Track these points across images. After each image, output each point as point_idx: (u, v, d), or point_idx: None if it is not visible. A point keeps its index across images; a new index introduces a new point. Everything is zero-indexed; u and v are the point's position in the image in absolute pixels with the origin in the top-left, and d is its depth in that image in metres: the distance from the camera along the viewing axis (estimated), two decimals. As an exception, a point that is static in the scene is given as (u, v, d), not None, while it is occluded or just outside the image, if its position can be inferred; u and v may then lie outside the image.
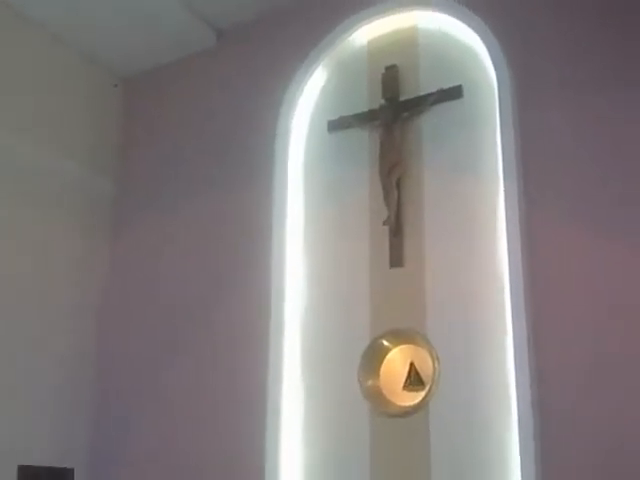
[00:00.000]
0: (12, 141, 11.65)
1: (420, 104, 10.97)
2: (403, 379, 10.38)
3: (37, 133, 12.09)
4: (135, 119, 13.48)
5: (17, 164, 11.70)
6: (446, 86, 10.79)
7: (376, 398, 10.35)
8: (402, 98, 11.12)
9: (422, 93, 11.00)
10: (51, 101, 12.47)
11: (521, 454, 9.15)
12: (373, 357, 10.51)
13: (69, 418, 11.95)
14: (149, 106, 13.32)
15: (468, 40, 10.86)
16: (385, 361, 10.52)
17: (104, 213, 13.14)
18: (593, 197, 9.46)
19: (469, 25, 10.80)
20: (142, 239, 12.76)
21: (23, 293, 11.58)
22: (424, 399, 10.08)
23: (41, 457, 11.41)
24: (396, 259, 10.70)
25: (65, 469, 11.88)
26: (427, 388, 10.12)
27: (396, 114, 11.02)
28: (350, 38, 11.74)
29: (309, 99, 11.93)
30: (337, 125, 11.51)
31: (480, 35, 10.67)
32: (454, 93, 10.75)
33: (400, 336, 10.48)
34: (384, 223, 10.77)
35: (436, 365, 10.07)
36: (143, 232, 12.78)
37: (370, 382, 10.42)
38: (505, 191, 10.05)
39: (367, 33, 11.66)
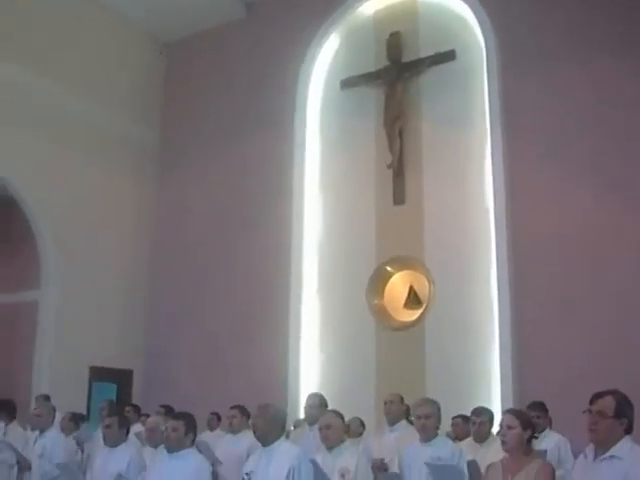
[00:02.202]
0: (80, 103, 11.88)
1: (419, 65, 11.02)
2: (404, 299, 10.67)
3: (99, 95, 12.26)
4: (177, 80, 13.54)
5: (83, 122, 11.95)
6: (441, 50, 10.77)
7: (381, 314, 10.58)
8: (404, 60, 11.15)
9: (421, 56, 11.01)
10: (110, 68, 12.60)
11: (501, 358, 9.48)
12: (378, 280, 10.77)
13: (129, 329, 12.40)
14: (188, 68, 13.39)
15: (461, 10, 10.84)
16: (389, 284, 10.80)
17: (153, 159, 13.29)
18: (564, 143, 9.58)
19: (461, -3, 10.67)
20: (184, 180, 12.95)
21: (93, 223, 11.98)
22: (421, 316, 10.39)
23: (107, 360, 11.87)
24: (398, 197, 10.86)
25: (126, 370, 12.33)
26: (424, 306, 10.42)
27: (399, 74, 11.08)
28: (359, 9, 11.73)
29: (324, 61, 11.97)
30: (348, 83, 11.57)
31: (471, 6, 10.68)
32: (448, 56, 10.79)
33: (401, 263, 10.72)
34: (388, 167, 10.88)
35: (431, 287, 10.32)
36: (185, 174, 12.95)
37: (376, 301, 10.64)
38: (491, 139, 10.18)
39: (374, 4, 11.63)
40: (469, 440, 6.54)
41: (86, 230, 11.75)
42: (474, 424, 6.39)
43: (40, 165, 11.22)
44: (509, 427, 4.24)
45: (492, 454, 4.87)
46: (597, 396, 3.84)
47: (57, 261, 11.50)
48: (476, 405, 6.81)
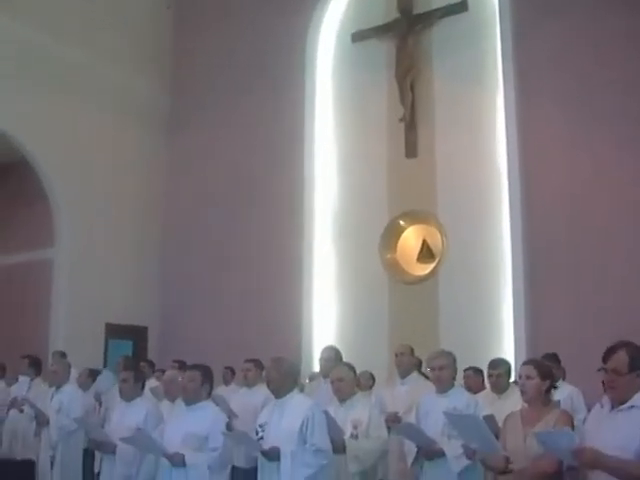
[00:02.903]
0: (88, 60, 11.66)
1: (430, 17, 10.79)
2: (417, 253, 10.57)
3: (108, 51, 11.98)
4: (185, 34, 13.19)
5: (94, 80, 11.75)
6: (453, 1, 10.48)
7: (394, 268, 10.56)
8: (415, 12, 10.90)
9: (432, 7, 10.73)
10: (118, 22, 12.31)
11: (514, 311, 9.46)
12: (391, 234, 10.70)
13: (143, 285, 12.33)
14: (197, 22, 13.06)
15: (473, -41, 10.51)
16: (401, 238, 10.74)
17: (163, 114, 13.07)
18: (577, 97, 9.42)
19: (474, -55, 10.41)
20: (193, 137, 12.71)
21: (104, 180, 11.83)
22: (434, 269, 10.34)
23: (122, 317, 11.84)
24: (411, 151, 10.72)
25: (141, 327, 12.31)
26: (437, 260, 10.32)
27: (410, 26, 10.86)
28: (368, -41, 11.38)
29: (335, 13, 11.68)
30: (359, 36, 11.33)
31: (483, -46, 10.32)
32: (460, 7, 10.54)
33: (414, 216, 10.64)
34: (400, 120, 10.72)
35: (444, 241, 10.25)
36: (194, 131, 12.70)
37: (389, 255, 10.59)
38: (504, 91, 10.01)
39: (384, -46, 11.30)
40: (487, 391, 6.51)
41: (98, 187, 11.66)
42: (491, 376, 6.36)
43: (50, 124, 11.11)
44: (528, 377, 4.18)
45: (510, 405, 4.82)
46: (609, 352, 3.72)
47: (70, 219, 11.46)
48: (489, 357, 6.79)
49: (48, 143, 11.14)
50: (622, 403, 3.68)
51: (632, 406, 3.66)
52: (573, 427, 4.06)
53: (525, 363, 4.35)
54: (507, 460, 4.11)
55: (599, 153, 9.19)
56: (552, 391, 4.23)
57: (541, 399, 4.17)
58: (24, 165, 11.40)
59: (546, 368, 4.27)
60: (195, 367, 5.37)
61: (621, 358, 3.68)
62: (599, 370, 3.73)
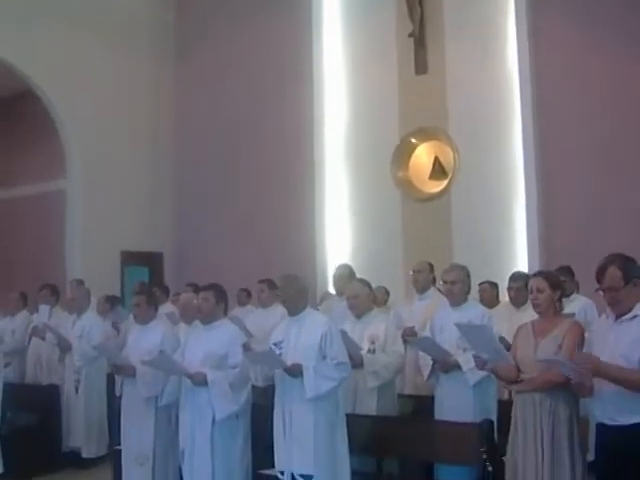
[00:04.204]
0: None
1: None
2: (429, 170, 10.48)
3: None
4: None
5: (98, 7, 11.52)
6: None
7: (406, 186, 10.54)
8: None
9: None
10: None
11: (527, 225, 9.45)
12: (403, 152, 10.60)
13: (157, 211, 12.35)
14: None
15: None
16: (413, 156, 10.61)
17: (169, 39, 12.86)
18: (592, 4, 9.11)
19: None
20: (201, 59, 12.52)
21: (114, 107, 11.72)
22: (447, 186, 10.27)
23: (138, 244, 11.92)
24: (421, 67, 10.53)
25: (156, 253, 12.42)
26: (449, 177, 10.25)
27: (418, -62, 10.39)
28: None
29: None
30: (366, -52, 10.90)
31: None
32: None
33: (425, 133, 10.52)
34: (409, 35, 10.48)
35: (456, 157, 10.15)
36: (202, 53, 12.52)
37: (401, 173, 10.54)
38: (515, 2, 9.68)
39: None
40: (505, 304, 6.55)
41: (107, 115, 11.58)
42: (511, 289, 6.39)
43: (57, 54, 11.00)
44: (539, 290, 4.22)
45: (527, 318, 4.85)
46: (601, 272, 3.75)
47: (81, 149, 11.46)
48: (503, 272, 6.82)
49: (54, 73, 11.04)
50: (625, 313, 3.75)
51: (635, 316, 3.73)
52: (584, 338, 4.13)
53: (535, 275, 4.39)
54: (518, 370, 4.18)
55: (613, 60, 8.97)
56: (562, 299, 4.27)
57: (552, 310, 4.22)
58: (33, 97, 11.35)
59: (555, 278, 4.31)
60: (208, 287, 5.49)
61: (613, 274, 3.73)
62: (597, 291, 3.78)
